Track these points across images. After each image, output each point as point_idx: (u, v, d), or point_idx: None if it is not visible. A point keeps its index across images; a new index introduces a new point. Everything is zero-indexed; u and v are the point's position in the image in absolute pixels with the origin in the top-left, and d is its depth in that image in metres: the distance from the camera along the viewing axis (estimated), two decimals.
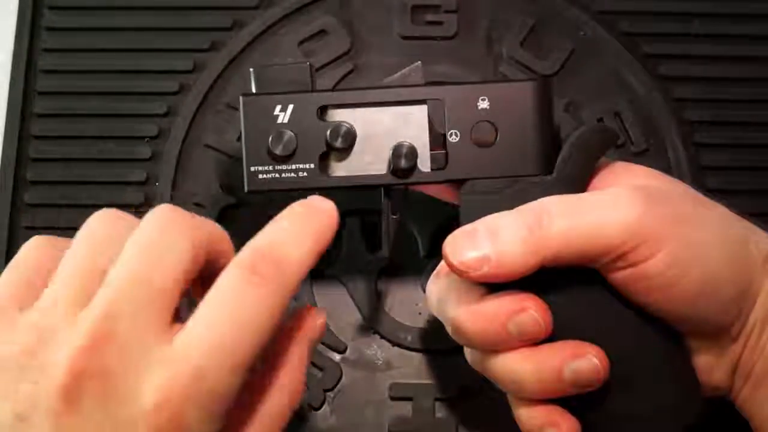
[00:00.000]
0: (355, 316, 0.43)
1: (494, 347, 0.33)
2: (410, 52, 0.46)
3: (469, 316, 0.33)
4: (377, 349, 0.42)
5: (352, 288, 0.43)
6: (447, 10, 0.47)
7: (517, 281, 0.32)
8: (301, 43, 0.47)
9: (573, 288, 0.33)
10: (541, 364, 0.33)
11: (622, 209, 0.31)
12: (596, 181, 0.35)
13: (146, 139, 0.45)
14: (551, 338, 0.33)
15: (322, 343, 0.42)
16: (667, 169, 0.45)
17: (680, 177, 0.44)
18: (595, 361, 0.32)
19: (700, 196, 0.35)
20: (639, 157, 0.45)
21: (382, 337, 0.42)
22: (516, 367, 0.33)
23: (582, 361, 0.32)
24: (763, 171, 0.45)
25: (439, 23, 0.47)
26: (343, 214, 0.43)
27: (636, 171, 0.35)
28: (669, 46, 0.46)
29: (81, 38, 0.47)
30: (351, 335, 0.43)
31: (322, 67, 0.46)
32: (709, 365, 0.34)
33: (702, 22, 0.47)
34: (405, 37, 0.47)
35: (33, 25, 0.47)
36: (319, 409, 0.42)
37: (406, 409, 0.41)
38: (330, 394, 0.42)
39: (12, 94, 0.46)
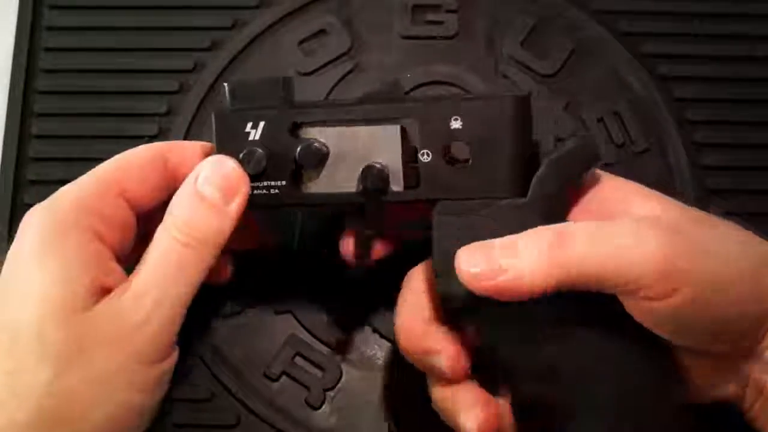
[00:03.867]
0: (355, 316, 0.43)
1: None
2: (410, 52, 0.46)
3: (399, 328, 0.35)
4: (378, 348, 0.42)
5: (352, 287, 0.43)
6: (447, 10, 0.47)
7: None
8: (301, 42, 0.47)
9: (585, 311, 0.32)
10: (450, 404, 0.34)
11: (646, 242, 0.30)
12: (586, 202, 0.34)
13: (146, 139, 0.45)
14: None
15: (322, 343, 0.42)
16: (667, 169, 0.45)
17: (680, 177, 0.44)
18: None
19: (714, 219, 0.33)
20: (639, 157, 0.45)
21: (383, 336, 0.43)
22: (434, 395, 0.35)
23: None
24: (763, 171, 0.45)
25: (440, 23, 0.47)
26: (344, 214, 0.44)
27: (628, 193, 0.34)
28: (669, 46, 0.46)
29: (81, 37, 0.47)
30: (351, 334, 0.43)
31: (322, 66, 0.46)
32: (721, 378, 0.34)
33: (702, 22, 0.47)
34: (405, 37, 0.47)
35: (33, 25, 0.47)
36: (319, 408, 0.42)
37: (406, 408, 0.41)
38: (330, 393, 0.42)
39: (12, 93, 0.46)
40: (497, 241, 0.32)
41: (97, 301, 0.31)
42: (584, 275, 0.30)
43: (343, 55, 0.46)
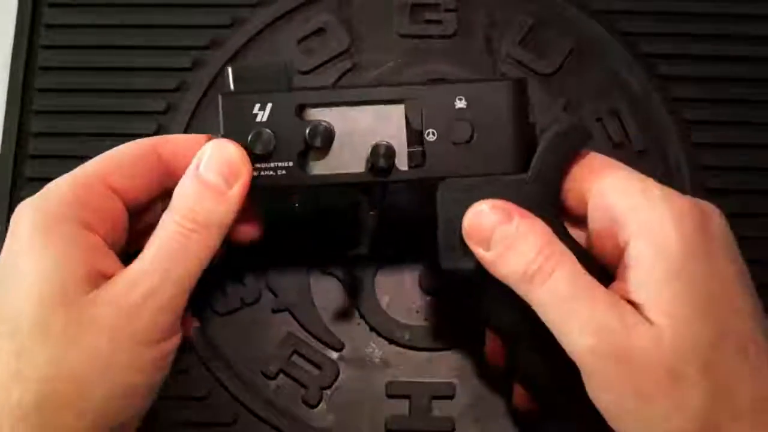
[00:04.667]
0: (352, 314, 0.43)
1: None
2: (409, 51, 0.46)
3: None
4: (374, 347, 0.42)
5: (349, 285, 0.43)
6: (446, 9, 0.47)
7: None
8: (300, 41, 0.47)
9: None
10: None
11: (589, 334, 0.31)
12: (571, 180, 0.35)
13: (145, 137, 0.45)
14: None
15: (320, 341, 0.42)
16: (665, 169, 0.44)
17: (680, 177, 0.44)
18: None
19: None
20: (638, 156, 0.45)
21: (380, 335, 0.42)
22: None
23: None
24: (763, 171, 0.45)
25: (438, 22, 0.47)
26: (344, 209, 0.44)
27: (614, 178, 0.34)
28: (668, 46, 0.46)
29: (80, 35, 0.47)
30: (348, 333, 0.43)
31: (321, 65, 0.46)
32: None
33: (702, 22, 0.47)
34: (404, 36, 0.47)
35: (32, 22, 0.47)
36: (316, 407, 0.41)
37: (402, 407, 0.41)
38: (327, 392, 0.42)
39: (11, 91, 0.46)
40: (515, 223, 0.33)
41: (96, 287, 0.32)
42: (542, 316, 0.32)
43: (342, 53, 0.46)
